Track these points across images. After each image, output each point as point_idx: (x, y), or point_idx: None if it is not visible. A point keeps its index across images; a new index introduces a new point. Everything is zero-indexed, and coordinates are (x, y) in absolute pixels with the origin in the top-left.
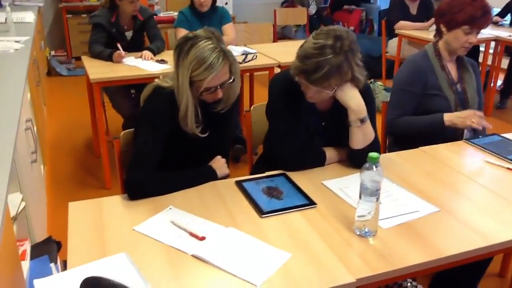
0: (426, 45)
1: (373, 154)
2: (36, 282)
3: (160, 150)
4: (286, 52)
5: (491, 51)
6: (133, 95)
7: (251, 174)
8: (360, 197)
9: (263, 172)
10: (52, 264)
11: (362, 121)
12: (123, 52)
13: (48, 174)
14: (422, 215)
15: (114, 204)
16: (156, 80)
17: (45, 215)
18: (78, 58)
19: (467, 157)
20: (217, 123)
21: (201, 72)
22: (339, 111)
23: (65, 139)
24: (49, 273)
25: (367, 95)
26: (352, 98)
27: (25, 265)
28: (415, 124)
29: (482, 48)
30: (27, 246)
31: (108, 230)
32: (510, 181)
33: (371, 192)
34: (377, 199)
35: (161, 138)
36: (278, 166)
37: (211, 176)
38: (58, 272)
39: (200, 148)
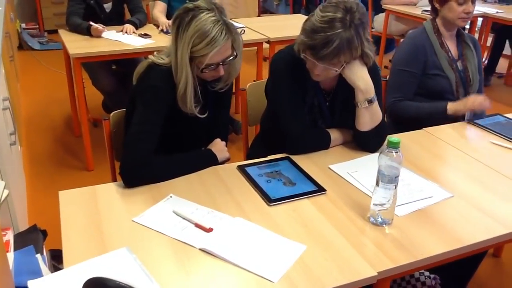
0: (424, 21)
1: (393, 139)
2: (30, 283)
3: (158, 132)
4: (274, 27)
5: (476, 28)
6: (114, 71)
7: (248, 155)
8: (377, 184)
9: (262, 154)
10: (38, 255)
11: (369, 101)
12: (100, 27)
13: (25, 155)
14: (436, 201)
15: (109, 192)
16: (150, 56)
17: (25, 200)
18: (51, 31)
19: (472, 139)
20: (216, 102)
21: (203, 47)
22: (344, 90)
23: (42, 117)
24: (35, 264)
25: (375, 73)
26: (360, 77)
27: (9, 256)
28: (416, 111)
29: (467, 26)
30: (10, 236)
31: (105, 222)
32: None
33: (389, 179)
34: (396, 186)
35: (158, 119)
36: (279, 147)
37: (212, 160)
38: (45, 263)
39: (198, 129)
